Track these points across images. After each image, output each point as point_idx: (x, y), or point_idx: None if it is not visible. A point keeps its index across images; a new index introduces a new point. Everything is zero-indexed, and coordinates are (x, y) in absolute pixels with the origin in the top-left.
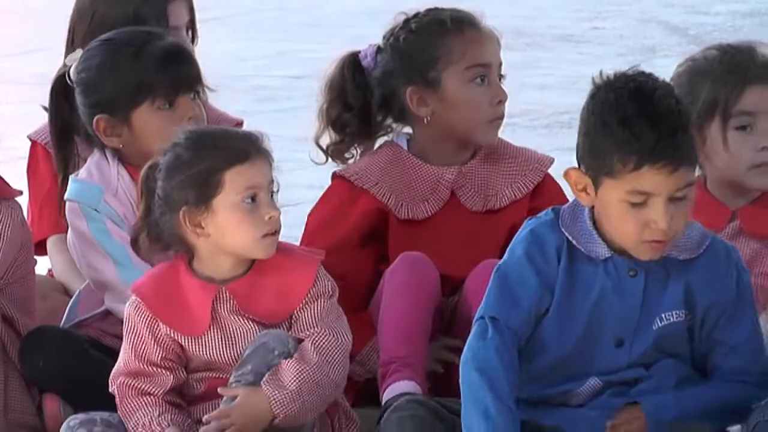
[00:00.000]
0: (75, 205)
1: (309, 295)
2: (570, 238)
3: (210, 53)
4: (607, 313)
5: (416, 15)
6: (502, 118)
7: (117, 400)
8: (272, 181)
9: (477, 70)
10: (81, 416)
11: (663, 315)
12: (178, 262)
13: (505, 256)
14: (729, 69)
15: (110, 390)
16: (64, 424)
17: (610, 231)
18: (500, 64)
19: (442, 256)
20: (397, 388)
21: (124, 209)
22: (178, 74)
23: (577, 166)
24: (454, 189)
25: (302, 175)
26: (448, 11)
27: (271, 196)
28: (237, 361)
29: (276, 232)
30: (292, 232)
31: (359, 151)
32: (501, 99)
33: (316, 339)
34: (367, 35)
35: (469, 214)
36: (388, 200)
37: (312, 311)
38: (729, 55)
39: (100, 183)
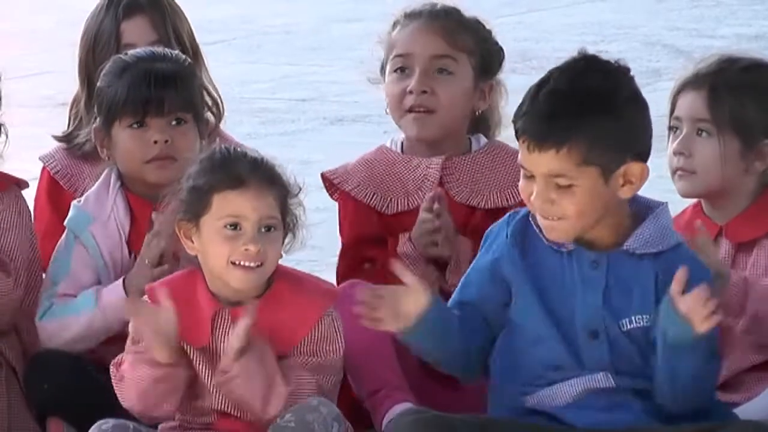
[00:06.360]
0: (67, 229)
1: (303, 343)
2: (537, 230)
3: (215, 76)
4: (573, 301)
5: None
6: (413, 110)
7: (117, 376)
8: (271, 216)
9: (397, 61)
10: (113, 421)
11: (633, 317)
12: (197, 272)
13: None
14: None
15: (111, 374)
16: (95, 427)
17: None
18: (440, 56)
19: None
20: (397, 409)
21: (111, 242)
22: (148, 95)
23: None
24: (442, 177)
25: (308, 198)
26: (424, 5)
27: (269, 229)
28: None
29: (256, 267)
30: (294, 255)
31: None
32: (411, 89)
33: (298, 387)
34: (372, 58)
35: (455, 205)
36: (370, 200)
37: (302, 361)
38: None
39: (93, 212)
